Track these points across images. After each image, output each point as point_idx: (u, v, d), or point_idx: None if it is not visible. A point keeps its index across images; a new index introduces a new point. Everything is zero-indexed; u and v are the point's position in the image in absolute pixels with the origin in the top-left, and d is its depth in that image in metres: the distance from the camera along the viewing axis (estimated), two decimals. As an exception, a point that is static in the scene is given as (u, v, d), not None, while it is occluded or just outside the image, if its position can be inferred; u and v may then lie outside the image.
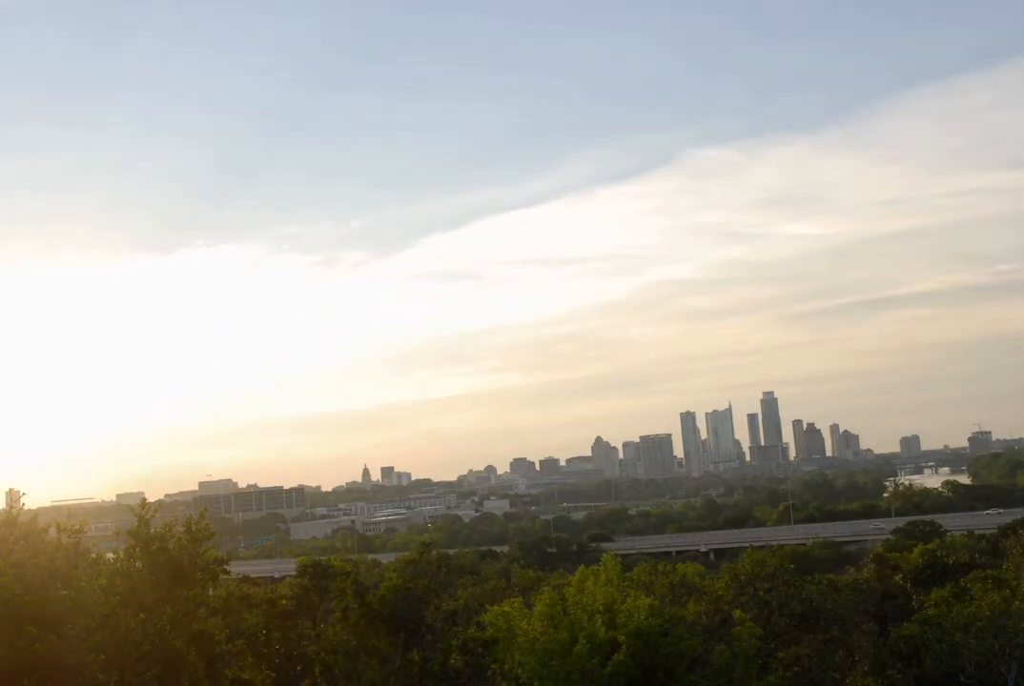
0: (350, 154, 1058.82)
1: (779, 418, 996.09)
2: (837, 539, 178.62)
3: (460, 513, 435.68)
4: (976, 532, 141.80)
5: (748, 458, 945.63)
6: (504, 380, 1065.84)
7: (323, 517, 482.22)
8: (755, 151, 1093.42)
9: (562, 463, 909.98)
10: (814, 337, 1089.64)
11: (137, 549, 34.42)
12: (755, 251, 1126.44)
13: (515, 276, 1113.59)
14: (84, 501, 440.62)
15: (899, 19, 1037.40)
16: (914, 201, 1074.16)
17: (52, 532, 33.65)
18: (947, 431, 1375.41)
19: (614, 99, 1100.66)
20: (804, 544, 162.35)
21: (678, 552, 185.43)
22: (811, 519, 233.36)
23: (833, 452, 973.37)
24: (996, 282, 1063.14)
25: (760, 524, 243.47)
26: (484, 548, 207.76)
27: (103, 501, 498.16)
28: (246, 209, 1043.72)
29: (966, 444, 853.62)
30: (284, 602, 41.29)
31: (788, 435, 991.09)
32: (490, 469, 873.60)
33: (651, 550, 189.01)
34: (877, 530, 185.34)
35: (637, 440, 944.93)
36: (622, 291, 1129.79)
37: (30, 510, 35.16)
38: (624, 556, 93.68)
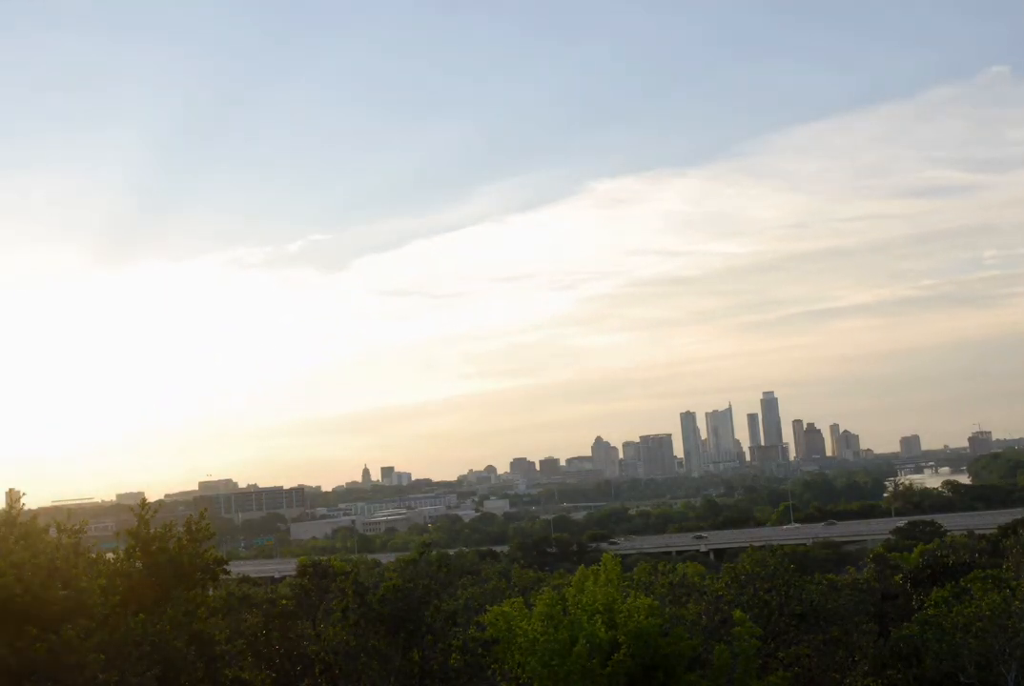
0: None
1: (779, 418, 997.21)
2: (837, 539, 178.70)
3: (460, 513, 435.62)
4: (976, 532, 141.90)
5: (748, 458, 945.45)
6: (481, 386, 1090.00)
7: (323, 517, 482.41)
8: (654, 183, 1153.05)
9: (562, 463, 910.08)
10: (771, 345, 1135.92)
11: (137, 549, 34.42)
12: (683, 268, 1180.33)
13: (458, 291, 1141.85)
14: (84, 501, 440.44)
15: (783, 62, 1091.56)
16: (820, 224, 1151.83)
17: (52, 532, 33.65)
18: (947, 431, 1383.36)
19: (509, 143, 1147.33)
20: (804, 544, 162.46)
21: (678, 552, 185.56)
22: (811, 519, 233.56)
23: (833, 452, 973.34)
24: (929, 295, 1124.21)
25: (760, 524, 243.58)
26: (484, 548, 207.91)
27: (103, 501, 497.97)
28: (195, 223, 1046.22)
29: (966, 444, 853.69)
30: (284, 602, 41.33)
31: (788, 435, 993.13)
32: (490, 469, 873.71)
33: (651, 550, 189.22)
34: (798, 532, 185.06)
35: (637, 440, 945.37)
36: (566, 304, 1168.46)
37: (30, 510, 35.14)
38: (624, 556, 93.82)
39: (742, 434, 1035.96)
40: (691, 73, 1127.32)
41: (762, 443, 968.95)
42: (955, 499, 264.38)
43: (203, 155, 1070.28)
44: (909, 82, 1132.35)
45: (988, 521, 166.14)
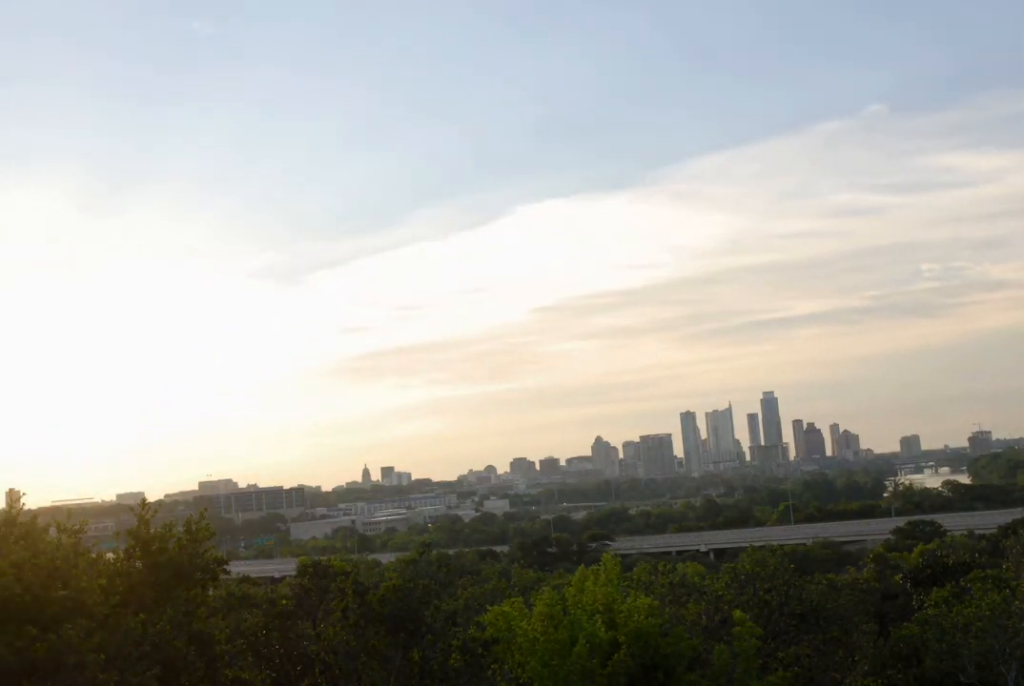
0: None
1: (779, 418, 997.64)
2: (837, 539, 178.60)
3: (460, 513, 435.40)
4: (976, 532, 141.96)
5: (748, 458, 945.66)
6: (457, 390, 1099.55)
7: (323, 517, 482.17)
8: (581, 205, 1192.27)
9: (562, 463, 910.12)
10: (736, 351, 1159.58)
11: (137, 549, 34.40)
12: (631, 280, 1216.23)
13: (416, 303, 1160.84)
14: (84, 501, 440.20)
15: (689, 101, 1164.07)
16: (753, 241, 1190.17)
17: (52, 532, 33.62)
18: (947, 431, 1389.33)
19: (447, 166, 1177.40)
20: (804, 544, 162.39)
21: (678, 552, 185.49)
22: (811, 519, 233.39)
23: (833, 452, 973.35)
24: (879, 305, 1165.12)
25: (760, 524, 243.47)
26: (484, 548, 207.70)
27: (103, 501, 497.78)
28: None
29: (966, 444, 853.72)
30: (284, 602, 41.27)
31: (788, 435, 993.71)
32: (490, 469, 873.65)
33: (651, 550, 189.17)
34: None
35: (637, 440, 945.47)
36: (520, 315, 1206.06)
37: (30, 510, 35.12)
38: (624, 556, 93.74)
39: (742, 434, 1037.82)
40: (612, 108, 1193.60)
41: (762, 443, 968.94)
42: (955, 499, 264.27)
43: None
44: (797, 118, 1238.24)
45: (988, 521, 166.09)
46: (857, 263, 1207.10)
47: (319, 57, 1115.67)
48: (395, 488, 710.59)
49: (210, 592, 38.18)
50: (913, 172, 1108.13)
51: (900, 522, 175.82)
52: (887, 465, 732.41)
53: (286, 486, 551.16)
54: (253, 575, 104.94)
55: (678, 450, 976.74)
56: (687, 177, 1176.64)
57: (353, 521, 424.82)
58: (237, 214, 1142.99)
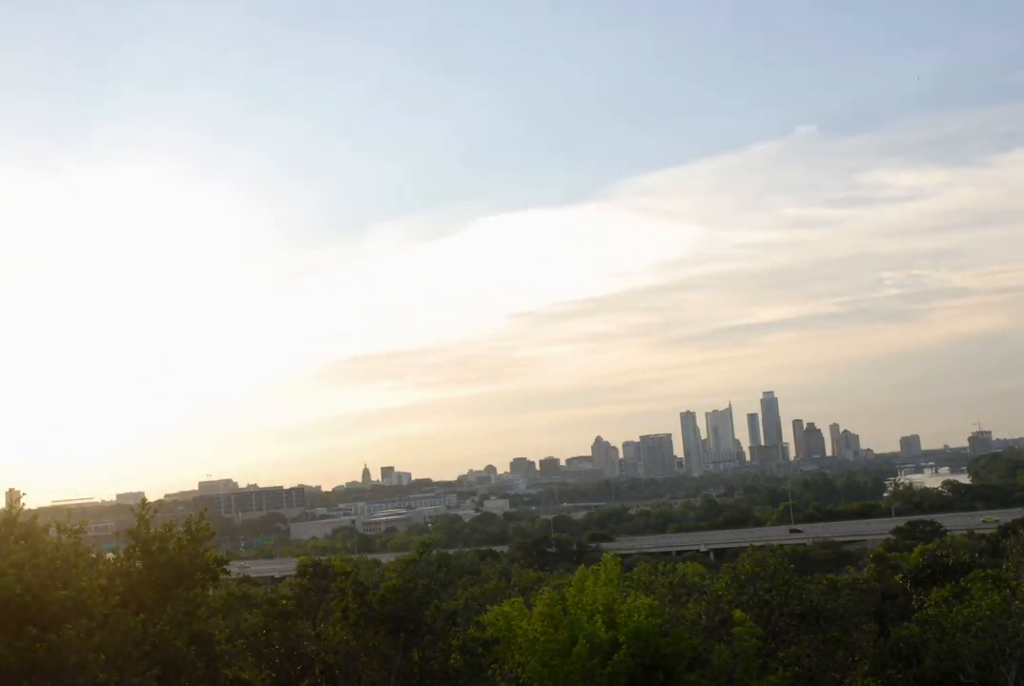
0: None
1: (779, 418, 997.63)
2: (837, 539, 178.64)
3: (460, 513, 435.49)
4: (976, 532, 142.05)
5: (748, 458, 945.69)
6: (448, 392, 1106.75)
7: (323, 517, 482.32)
8: (539, 217, 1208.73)
9: (562, 463, 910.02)
10: (716, 355, 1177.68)
11: (137, 549, 34.38)
12: (591, 289, 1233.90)
13: (392, 312, 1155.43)
14: (84, 501, 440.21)
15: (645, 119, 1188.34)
16: (717, 251, 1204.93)
17: (52, 532, 33.62)
18: (947, 431, 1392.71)
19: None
20: (804, 544, 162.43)
21: (678, 552, 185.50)
22: (811, 519, 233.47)
23: (833, 452, 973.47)
24: (852, 310, 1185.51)
25: (760, 524, 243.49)
26: (484, 548, 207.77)
27: (103, 501, 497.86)
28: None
29: (966, 444, 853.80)
30: (284, 602, 41.26)
31: (788, 435, 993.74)
32: (490, 469, 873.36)
33: (651, 550, 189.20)
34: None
35: (637, 440, 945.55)
36: (498, 320, 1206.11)
37: (30, 510, 35.11)
38: (624, 556, 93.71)
39: (742, 434, 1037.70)
40: (572, 127, 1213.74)
41: (762, 443, 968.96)
42: (955, 499, 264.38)
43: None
44: (739, 138, 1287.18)
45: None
46: (819, 272, 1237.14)
47: (308, 54, 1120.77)
48: (395, 488, 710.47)
49: (210, 592, 38.19)
50: (856, 188, 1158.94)
51: (900, 522, 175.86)
52: (887, 465, 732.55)
53: (286, 486, 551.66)
54: (253, 575, 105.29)
55: (678, 450, 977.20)
56: (644, 190, 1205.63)
57: (353, 521, 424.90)
58: (239, 213, 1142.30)
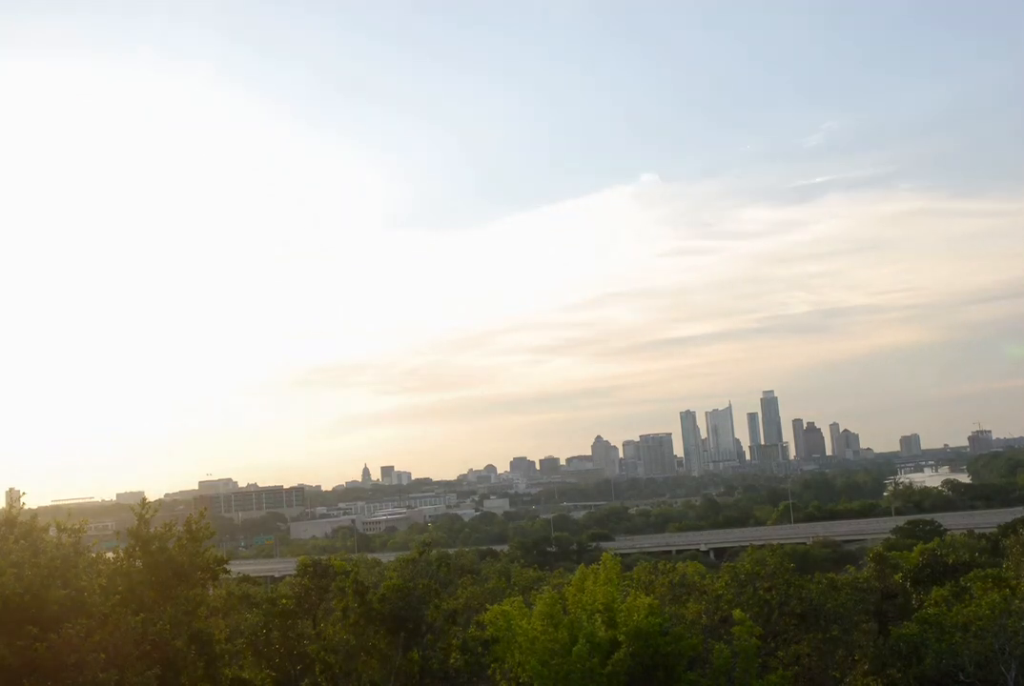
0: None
1: (779, 417, 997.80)
2: (837, 538, 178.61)
3: (460, 512, 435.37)
4: (976, 531, 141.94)
5: (748, 457, 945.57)
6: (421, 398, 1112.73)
7: (323, 516, 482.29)
8: (463, 236, 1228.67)
9: (562, 462, 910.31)
10: (658, 365, 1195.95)
11: (137, 549, 34.43)
12: (527, 309, 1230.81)
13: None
14: (84, 501, 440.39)
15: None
16: (625, 273, 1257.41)
17: (52, 532, 33.65)
18: (947, 430, 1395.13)
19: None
20: (804, 543, 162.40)
21: (678, 551, 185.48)
22: (811, 518, 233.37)
23: (833, 451, 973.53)
24: (770, 325, 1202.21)
25: (760, 523, 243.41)
26: (484, 547, 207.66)
27: (103, 501, 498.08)
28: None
29: (966, 443, 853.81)
30: (284, 601, 41.25)
31: (788, 434, 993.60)
32: (490, 468, 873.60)
33: (651, 549, 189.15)
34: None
35: (637, 439, 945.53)
36: (445, 333, 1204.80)
37: (30, 510, 35.17)
38: (624, 555, 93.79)
39: (742, 433, 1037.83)
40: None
41: (762, 442, 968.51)
42: (955, 498, 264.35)
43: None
44: (589, 185, 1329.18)
45: (988, 520, 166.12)
46: (727, 292, 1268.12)
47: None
48: (395, 487, 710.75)
49: (210, 592, 38.21)
50: (721, 223, 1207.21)
51: (900, 521, 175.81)
52: (887, 464, 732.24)
53: (286, 486, 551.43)
54: (253, 575, 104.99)
55: (678, 449, 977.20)
56: (547, 219, 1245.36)
57: (353, 520, 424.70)
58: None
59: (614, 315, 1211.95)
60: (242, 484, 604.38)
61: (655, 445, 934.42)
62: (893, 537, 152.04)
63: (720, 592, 50.42)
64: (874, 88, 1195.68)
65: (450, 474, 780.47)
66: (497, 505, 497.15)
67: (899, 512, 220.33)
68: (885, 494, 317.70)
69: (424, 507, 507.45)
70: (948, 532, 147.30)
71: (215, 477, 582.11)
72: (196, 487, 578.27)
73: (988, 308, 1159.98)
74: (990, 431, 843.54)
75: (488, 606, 47.77)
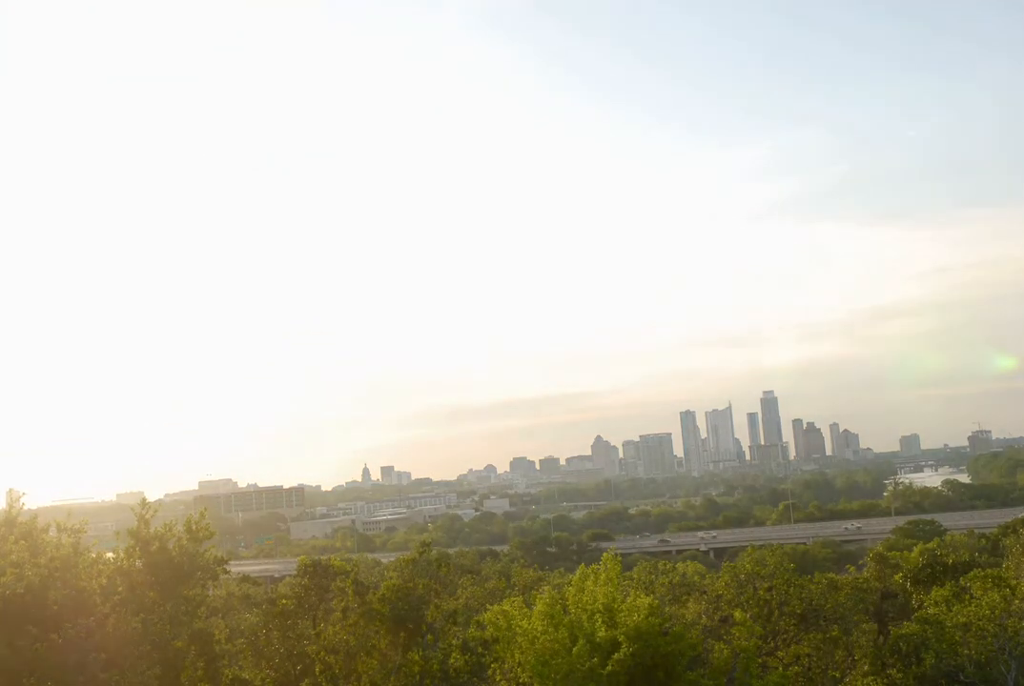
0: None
1: (779, 417, 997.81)
2: (837, 538, 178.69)
3: (460, 512, 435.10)
4: (976, 531, 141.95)
5: (748, 457, 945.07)
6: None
7: (323, 517, 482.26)
8: None
9: (562, 462, 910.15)
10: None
11: (137, 549, 34.41)
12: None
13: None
14: (84, 501, 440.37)
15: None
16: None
17: (52, 532, 33.63)
18: (947, 430, 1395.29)
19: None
20: (804, 543, 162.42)
21: (678, 551, 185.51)
22: (811, 518, 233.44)
23: (833, 451, 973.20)
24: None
25: (760, 523, 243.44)
26: (484, 547, 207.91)
27: (103, 501, 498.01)
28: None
29: (966, 443, 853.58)
30: (284, 602, 41.25)
31: (788, 434, 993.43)
32: (490, 468, 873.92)
33: (651, 549, 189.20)
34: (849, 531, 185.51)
35: (637, 439, 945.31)
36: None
37: (30, 510, 35.13)
38: (624, 555, 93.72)
39: (742, 433, 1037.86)
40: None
41: (762, 442, 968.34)
42: (955, 498, 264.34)
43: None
44: None
45: (988, 520, 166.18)
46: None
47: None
48: (395, 488, 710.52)
49: (210, 592, 38.21)
50: None
51: (900, 521, 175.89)
52: (887, 464, 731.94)
53: (286, 486, 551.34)
54: (253, 575, 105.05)
55: (678, 449, 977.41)
56: None
57: (353, 521, 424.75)
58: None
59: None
60: (242, 485, 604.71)
61: (655, 445, 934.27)
62: (893, 537, 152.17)
63: (720, 592, 50.42)
64: None
65: (450, 474, 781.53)
66: (497, 505, 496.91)
67: (899, 512, 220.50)
68: (885, 494, 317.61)
69: (424, 507, 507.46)
70: (948, 532, 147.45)
71: (215, 478, 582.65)
72: (196, 488, 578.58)
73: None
74: (990, 431, 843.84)
75: (488, 606, 47.73)
